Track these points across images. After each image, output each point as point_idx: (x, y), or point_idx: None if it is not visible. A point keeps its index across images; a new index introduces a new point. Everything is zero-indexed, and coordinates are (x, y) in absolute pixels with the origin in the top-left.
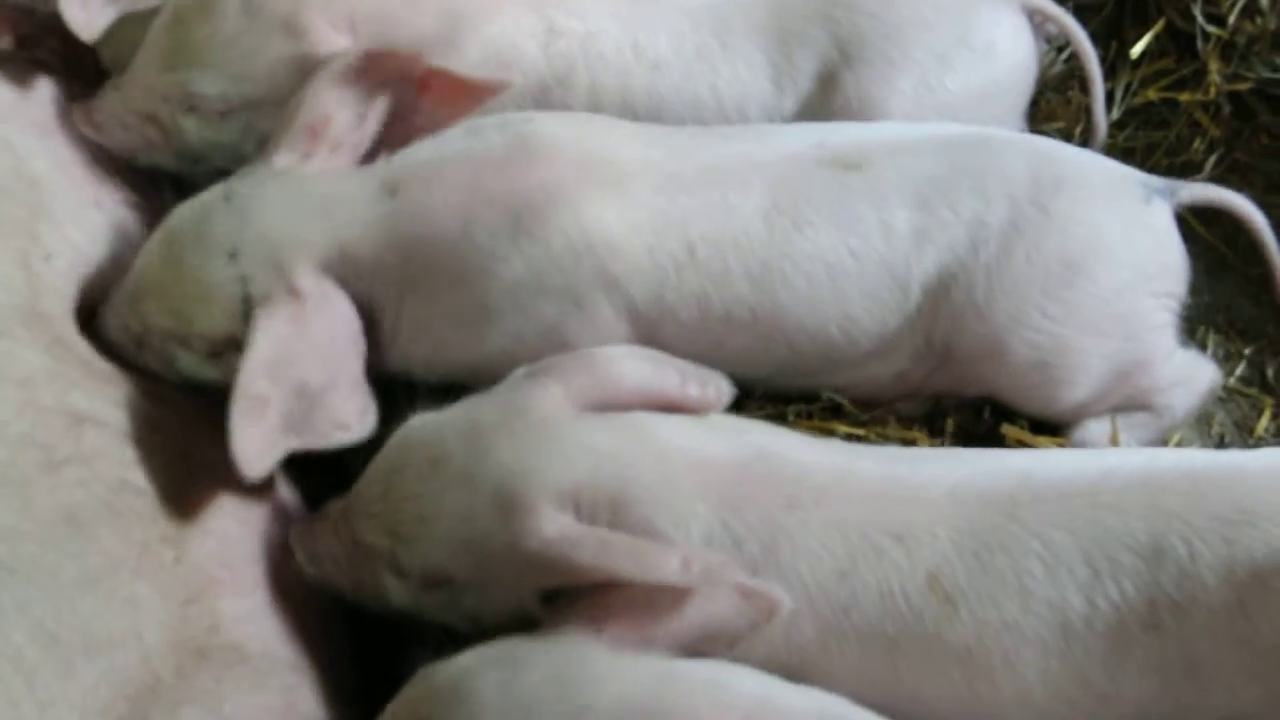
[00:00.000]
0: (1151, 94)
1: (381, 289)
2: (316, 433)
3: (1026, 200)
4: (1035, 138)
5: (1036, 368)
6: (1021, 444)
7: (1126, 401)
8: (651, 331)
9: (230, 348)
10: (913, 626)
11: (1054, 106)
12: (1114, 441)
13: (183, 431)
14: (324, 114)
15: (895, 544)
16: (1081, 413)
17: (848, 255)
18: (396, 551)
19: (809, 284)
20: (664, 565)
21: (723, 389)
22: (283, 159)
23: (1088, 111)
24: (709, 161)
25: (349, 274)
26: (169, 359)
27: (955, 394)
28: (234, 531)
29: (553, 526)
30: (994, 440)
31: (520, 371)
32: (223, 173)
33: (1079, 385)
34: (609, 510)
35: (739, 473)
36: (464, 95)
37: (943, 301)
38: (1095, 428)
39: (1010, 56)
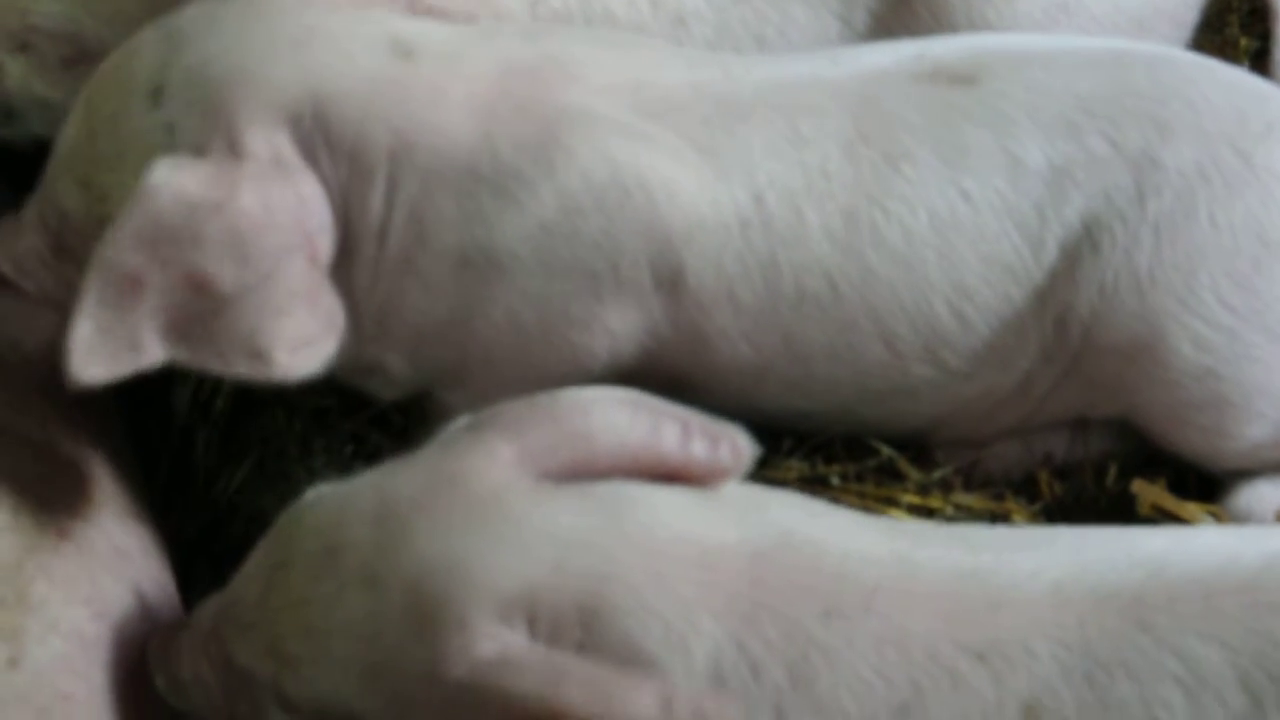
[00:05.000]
0: None
1: (360, 186)
2: (211, 348)
3: (1225, 142)
4: (1238, 69)
5: (1201, 378)
6: (1158, 509)
7: None
8: (698, 325)
9: None
10: None
11: (1207, 48)
12: None
13: (32, 478)
14: None
15: (977, 665)
16: (1250, 459)
17: (959, 199)
18: (280, 678)
19: (907, 240)
20: (636, 704)
21: (740, 448)
22: None
23: (1253, 57)
24: (769, 81)
25: (319, 144)
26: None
27: (1083, 414)
28: (88, 625)
29: (489, 646)
30: (1119, 513)
31: (460, 422)
32: (39, 144)
33: (1254, 415)
34: (578, 625)
35: (757, 568)
36: None
37: (1087, 268)
38: (1264, 492)
39: None
